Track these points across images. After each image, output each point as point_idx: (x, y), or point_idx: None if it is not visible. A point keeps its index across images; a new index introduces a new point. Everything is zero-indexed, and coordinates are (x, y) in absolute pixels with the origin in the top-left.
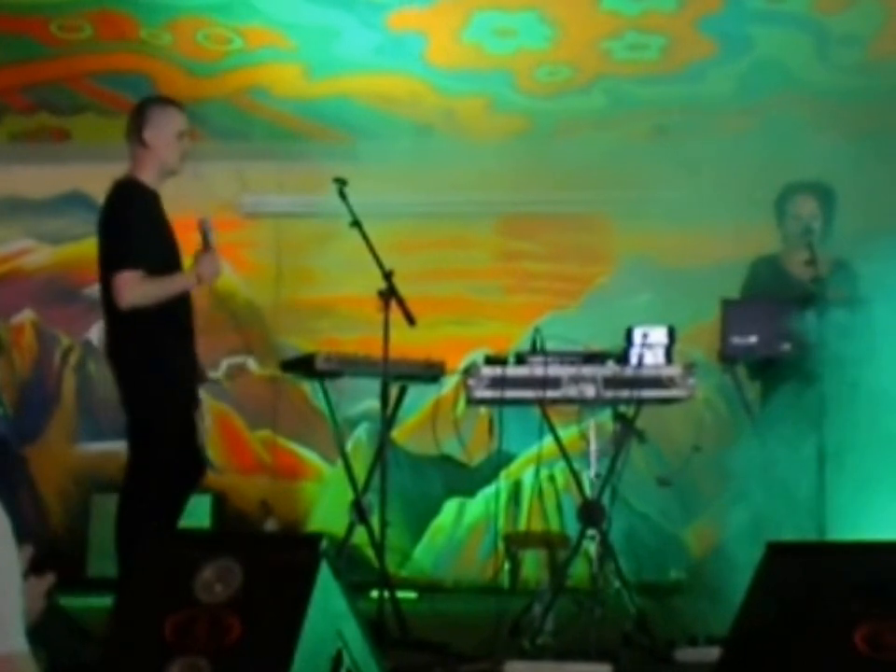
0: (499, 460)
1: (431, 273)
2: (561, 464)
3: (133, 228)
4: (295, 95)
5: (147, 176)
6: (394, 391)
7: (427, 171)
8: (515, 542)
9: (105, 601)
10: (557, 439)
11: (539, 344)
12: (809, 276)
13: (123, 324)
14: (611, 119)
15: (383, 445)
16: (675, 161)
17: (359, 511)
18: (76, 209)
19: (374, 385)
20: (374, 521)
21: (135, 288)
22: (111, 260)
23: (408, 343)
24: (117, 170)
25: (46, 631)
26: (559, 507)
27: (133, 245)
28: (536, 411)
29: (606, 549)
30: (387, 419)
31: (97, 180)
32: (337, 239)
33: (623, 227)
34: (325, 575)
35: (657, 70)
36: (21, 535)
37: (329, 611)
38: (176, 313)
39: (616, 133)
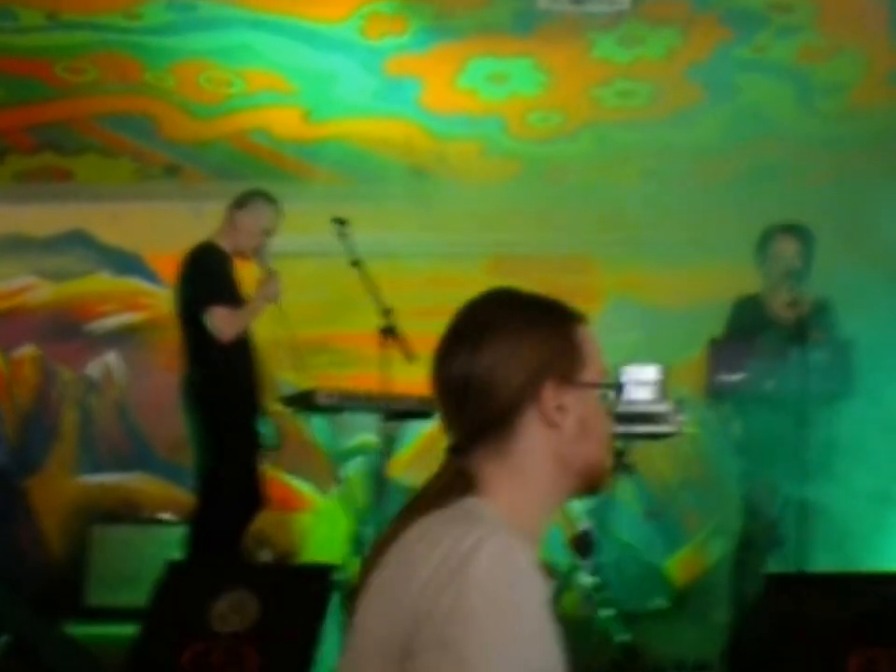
0: None
1: (423, 310)
2: None
3: (216, 272)
4: (293, 137)
5: (224, 246)
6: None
7: (420, 212)
8: None
9: (106, 630)
10: None
11: None
12: (792, 317)
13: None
14: (600, 163)
15: (381, 478)
16: (661, 204)
17: (356, 543)
18: (77, 247)
19: (367, 419)
20: None
21: (229, 320)
22: (201, 300)
23: (400, 379)
24: (117, 209)
25: (56, 660)
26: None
27: (217, 285)
28: None
29: (596, 579)
30: (385, 453)
31: (98, 219)
32: (333, 278)
33: (610, 267)
34: (337, 605)
35: (645, 116)
36: (21, 565)
37: (341, 640)
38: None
39: (604, 177)
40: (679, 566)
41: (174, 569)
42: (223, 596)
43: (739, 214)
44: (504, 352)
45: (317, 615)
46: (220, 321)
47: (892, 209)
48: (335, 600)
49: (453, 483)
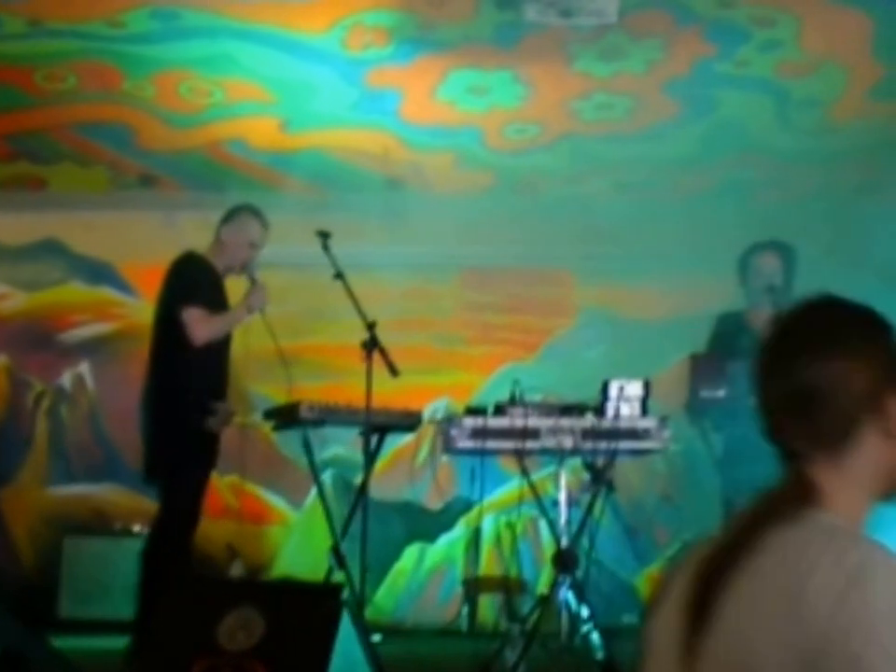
0: (470, 507)
1: (397, 322)
2: (518, 511)
3: (195, 277)
4: (270, 147)
5: (214, 263)
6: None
7: (395, 224)
8: (474, 586)
9: (78, 642)
10: (533, 488)
11: (518, 396)
12: None
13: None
14: (575, 176)
15: (364, 492)
16: (635, 217)
17: (338, 557)
18: (51, 256)
19: (340, 432)
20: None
21: (203, 323)
22: (176, 301)
23: (379, 391)
24: (92, 218)
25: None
26: (516, 553)
27: (195, 288)
28: (495, 458)
29: (577, 595)
30: (367, 467)
31: (72, 228)
32: (307, 289)
33: (583, 281)
34: (346, 624)
35: (622, 129)
36: None
37: (348, 659)
38: (210, 369)
39: (579, 190)
40: (649, 582)
41: (180, 585)
42: (230, 613)
43: (716, 228)
44: (848, 362)
45: (326, 633)
46: (194, 321)
47: (872, 223)
48: (344, 619)
49: (794, 493)
